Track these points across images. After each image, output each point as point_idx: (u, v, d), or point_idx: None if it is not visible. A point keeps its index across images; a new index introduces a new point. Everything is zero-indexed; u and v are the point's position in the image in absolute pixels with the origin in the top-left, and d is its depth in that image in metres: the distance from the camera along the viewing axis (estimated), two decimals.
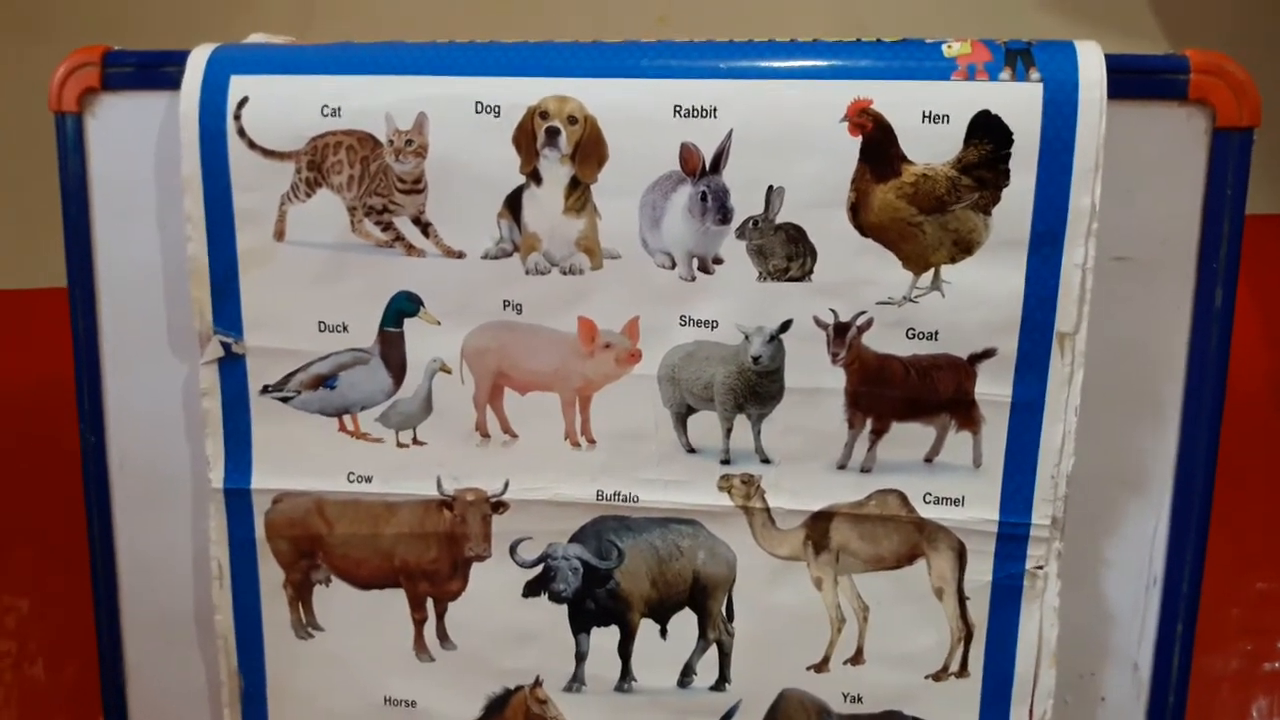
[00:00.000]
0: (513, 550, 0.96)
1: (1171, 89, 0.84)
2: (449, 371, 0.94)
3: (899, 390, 0.89)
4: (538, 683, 0.98)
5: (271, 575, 0.99)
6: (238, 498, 0.97)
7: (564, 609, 0.96)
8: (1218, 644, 1.26)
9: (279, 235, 0.93)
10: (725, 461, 0.93)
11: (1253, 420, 1.31)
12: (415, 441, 0.96)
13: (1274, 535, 1.30)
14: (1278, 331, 1.38)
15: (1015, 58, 0.83)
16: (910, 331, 0.88)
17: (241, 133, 0.91)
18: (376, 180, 0.91)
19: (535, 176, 0.89)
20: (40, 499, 1.39)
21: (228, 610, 0.99)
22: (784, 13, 1.10)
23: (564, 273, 0.90)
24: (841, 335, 0.89)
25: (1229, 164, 0.84)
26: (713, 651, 0.96)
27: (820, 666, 0.95)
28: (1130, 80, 0.83)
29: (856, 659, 0.94)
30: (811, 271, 0.88)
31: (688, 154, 0.87)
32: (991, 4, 1.22)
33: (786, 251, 0.87)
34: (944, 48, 0.84)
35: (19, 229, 1.44)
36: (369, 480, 0.97)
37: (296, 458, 0.97)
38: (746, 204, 0.87)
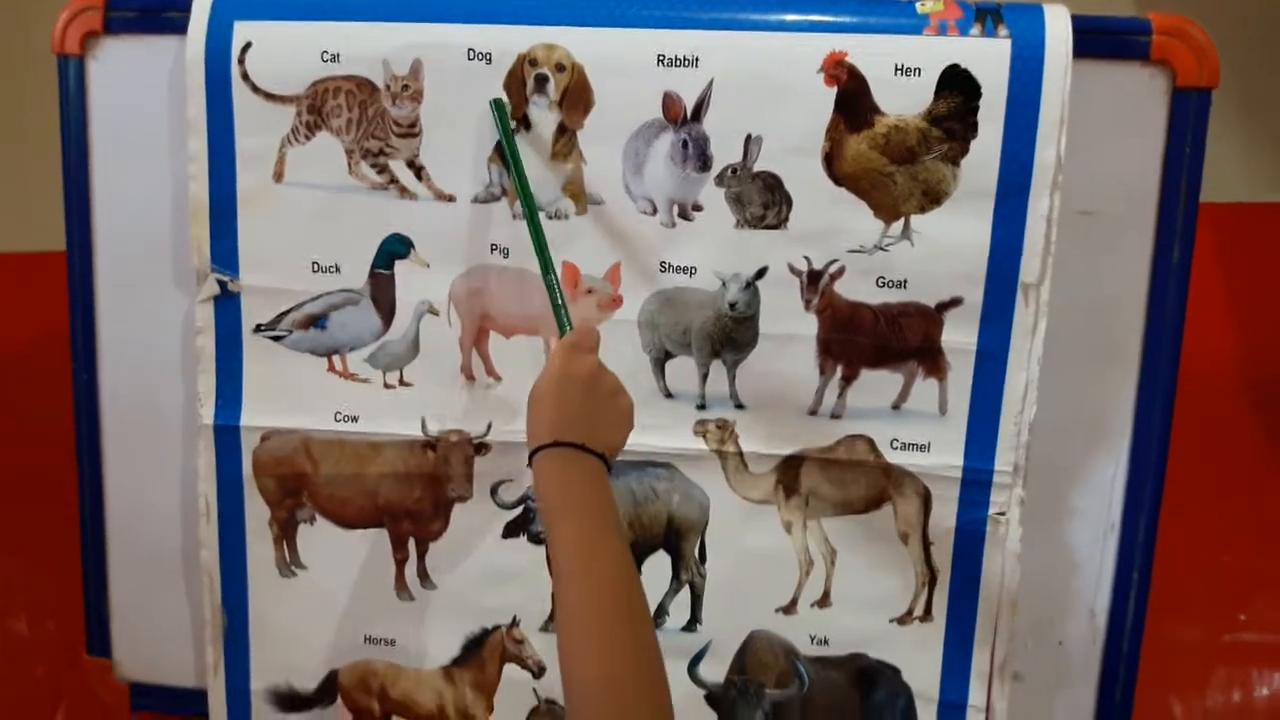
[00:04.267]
0: (494, 491, 0.99)
1: (1134, 49, 0.88)
2: (437, 314, 0.97)
3: (869, 337, 0.92)
4: (515, 622, 1.00)
5: (258, 513, 1.01)
6: (227, 434, 1.00)
7: (542, 550, 0.99)
8: (1181, 613, 1.29)
9: (278, 176, 0.96)
10: (701, 406, 0.96)
11: (1220, 401, 1.34)
12: (402, 382, 0.99)
13: (1237, 511, 1.33)
14: (1258, 318, 1.42)
15: (985, 16, 0.87)
16: (881, 280, 0.91)
17: (245, 77, 0.94)
18: (374, 124, 0.94)
19: (524, 122, 0.93)
20: (32, 456, 1.42)
21: (214, 547, 1.02)
22: None
23: (550, 217, 0.94)
24: (815, 283, 0.92)
25: (1189, 122, 0.88)
26: (685, 593, 0.99)
27: (789, 609, 0.98)
28: (1095, 40, 0.87)
29: (824, 602, 0.97)
30: (787, 219, 0.91)
31: (670, 102, 0.90)
32: None
33: (763, 199, 0.91)
34: (917, 5, 0.88)
35: (19, 191, 1.47)
36: (355, 420, 0.99)
37: (286, 396, 0.99)
38: (726, 152, 0.91)
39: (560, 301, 0.86)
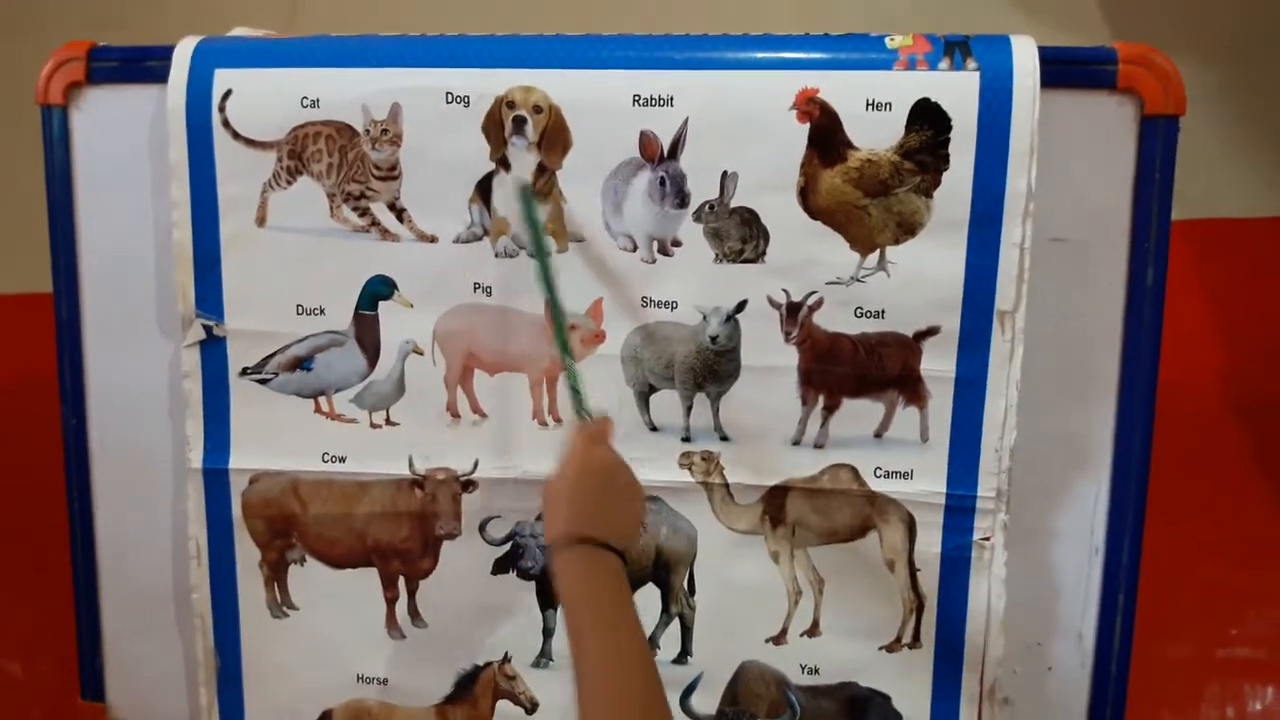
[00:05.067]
0: (482, 528, 0.99)
1: (1101, 79, 0.89)
2: (421, 353, 0.98)
3: (849, 367, 0.93)
4: (506, 659, 1.01)
5: (248, 554, 1.02)
6: (216, 477, 1.00)
7: (532, 585, 0.99)
8: (1172, 631, 1.29)
9: (260, 221, 0.97)
10: (686, 439, 0.97)
11: (1203, 416, 1.35)
12: (388, 422, 1.00)
13: (1224, 526, 1.34)
14: (1234, 332, 1.43)
15: (954, 49, 0.88)
16: (858, 310, 0.92)
17: (226, 124, 0.95)
18: (354, 168, 0.95)
19: (504, 163, 0.94)
20: (23, 500, 1.42)
21: (205, 589, 1.02)
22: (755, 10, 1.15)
23: (531, 255, 0.94)
24: (794, 315, 0.93)
25: (1157, 149, 0.89)
26: (675, 625, 0.99)
27: (778, 639, 0.98)
28: (1063, 70, 0.88)
29: (813, 631, 0.98)
30: (764, 253, 0.92)
31: (647, 141, 0.91)
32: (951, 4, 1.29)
33: (741, 234, 0.92)
34: (886, 40, 0.89)
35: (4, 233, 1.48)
36: (343, 460, 1.00)
37: (273, 438, 1.00)
38: (703, 189, 0.92)
39: (578, 387, 0.87)
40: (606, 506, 0.80)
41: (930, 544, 0.94)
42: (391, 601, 1.02)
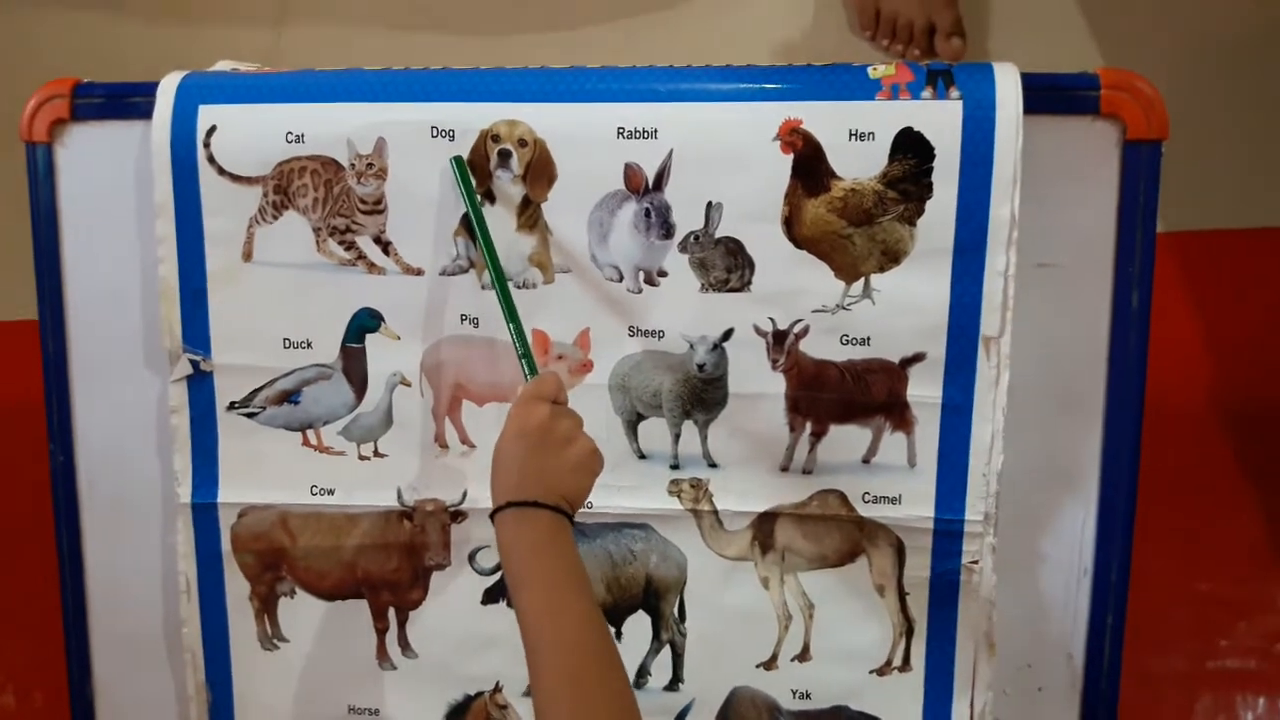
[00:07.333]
0: (472, 558, 0.99)
1: (1084, 104, 0.89)
2: (409, 385, 0.98)
3: (836, 394, 0.93)
4: (497, 688, 1.01)
5: (238, 588, 1.02)
6: (204, 512, 1.00)
7: None
8: (1163, 646, 1.30)
9: (247, 256, 0.97)
10: (674, 467, 0.97)
11: (1190, 428, 1.35)
12: (376, 454, 1.00)
13: (1212, 538, 1.35)
14: (1219, 343, 1.43)
15: (936, 78, 0.89)
16: (844, 338, 0.92)
17: (211, 160, 0.95)
18: (339, 202, 0.95)
19: (489, 196, 0.94)
20: (9, 527, 1.42)
21: (195, 623, 1.02)
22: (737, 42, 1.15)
23: (518, 287, 0.95)
24: (780, 343, 0.93)
25: (1140, 174, 0.90)
26: (666, 652, 1.00)
27: (769, 664, 0.98)
28: (1045, 97, 0.89)
29: (804, 656, 0.98)
30: (750, 282, 0.92)
31: (631, 173, 0.92)
32: None
33: (726, 264, 0.92)
34: (869, 70, 0.90)
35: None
36: (331, 493, 1.00)
37: (261, 472, 1.00)
38: (688, 219, 0.92)
39: (523, 350, 0.88)
40: (542, 465, 0.79)
41: (919, 568, 0.95)
42: (382, 632, 1.02)
